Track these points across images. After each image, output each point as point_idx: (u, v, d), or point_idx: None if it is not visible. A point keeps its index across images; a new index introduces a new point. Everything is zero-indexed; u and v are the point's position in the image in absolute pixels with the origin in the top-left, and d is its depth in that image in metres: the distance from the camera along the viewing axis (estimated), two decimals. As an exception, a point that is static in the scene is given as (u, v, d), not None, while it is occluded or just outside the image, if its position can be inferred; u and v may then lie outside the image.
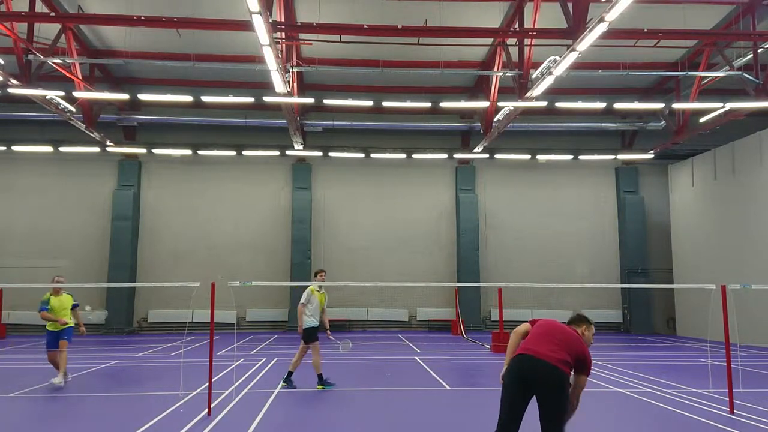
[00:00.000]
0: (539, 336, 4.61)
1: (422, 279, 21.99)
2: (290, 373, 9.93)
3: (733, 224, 19.02)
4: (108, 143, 20.77)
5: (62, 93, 16.92)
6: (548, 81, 14.44)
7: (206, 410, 7.73)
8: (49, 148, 21.42)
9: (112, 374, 11.82)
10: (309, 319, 9.81)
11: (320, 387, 9.81)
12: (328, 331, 10.13)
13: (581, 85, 20.58)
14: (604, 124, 22.49)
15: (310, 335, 9.77)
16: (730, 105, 17.28)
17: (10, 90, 15.63)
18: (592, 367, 4.61)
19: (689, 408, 8.32)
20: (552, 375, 4.36)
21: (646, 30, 14.72)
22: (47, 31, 16.09)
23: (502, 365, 4.76)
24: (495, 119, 18.83)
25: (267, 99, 17.02)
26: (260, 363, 12.89)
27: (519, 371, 4.48)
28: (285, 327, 22.26)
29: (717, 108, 17.83)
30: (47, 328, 10.11)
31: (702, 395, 9.24)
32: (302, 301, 9.85)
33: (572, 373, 4.53)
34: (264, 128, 22.41)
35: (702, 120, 19.00)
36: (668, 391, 9.65)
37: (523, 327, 4.88)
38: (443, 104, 18.83)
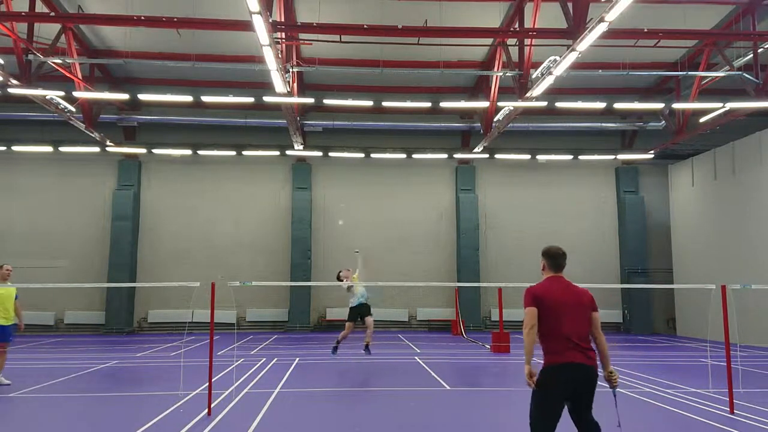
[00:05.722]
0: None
1: (422, 279, 21.97)
2: (338, 346, 12.53)
3: (733, 224, 19.02)
4: (108, 143, 20.77)
5: (62, 93, 16.91)
6: (548, 81, 14.44)
7: (206, 410, 7.72)
8: (49, 148, 21.42)
9: (112, 374, 11.81)
10: (353, 303, 12.25)
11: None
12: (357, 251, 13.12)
13: (581, 85, 20.58)
14: (604, 124, 22.49)
15: (351, 315, 12.30)
16: (730, 105, 17.27)
17: (10, 90, 15.63)
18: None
19: (689, 408, 8.32)
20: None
21: (646, 30, 14.73)
22: (47, 31, 16.09)
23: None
24: (495, 119, 18.83)
25: (267, 99, 17.03)
26: (260, 363, 12.89)
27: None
28: (285, 327, 22.26)
29: (717, 108, 17.83)
30: None
31: (702, 395, 9.23)
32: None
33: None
34: (264, 128, 22.41)
35: (702, 120, 19.00)
36: (668, 391, 9.65)
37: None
38: (443, 104, 18.83)
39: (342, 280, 12.31)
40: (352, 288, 12.14)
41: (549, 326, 4.16)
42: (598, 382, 4.34)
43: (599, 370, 4.29)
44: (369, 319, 12.29)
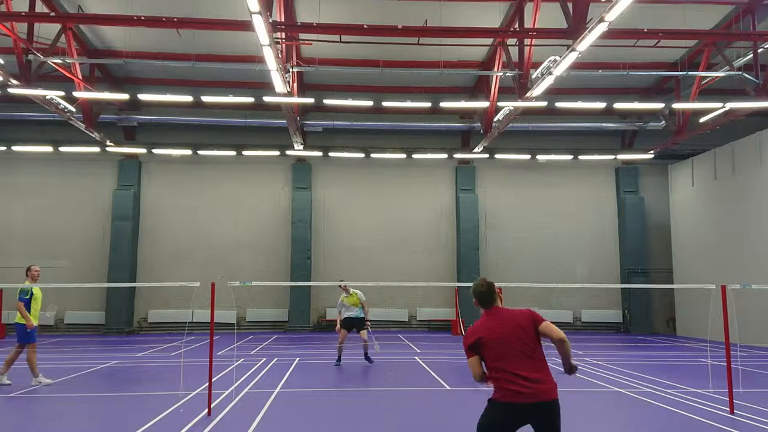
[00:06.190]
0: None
1: (422, 279, 21.98)
2: (340, 357, 12.71)
3: (733, 224, 19.02)
4: (108, 143, 20.76)
5: (62, 93, 16.90)
6: (548, 81, 14.44)
7: (206, 410, 7.73)
8: (49, 148, 21.41)
9: (112, 374, 11.82)
10: (346, 313, 12.80)
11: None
12: (368, 323, 13.01)
13: (581, 85, 20.58)
14: (604, 124, 22.47)
15: (343, 324, 12.76)
16: (730, 105, 17.26)
17: (10, 90, 15.62)
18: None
19: (689, 408, 8.32)
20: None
21: (646, 30, 14.73)
22: (47, 31, 16.07)
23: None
24: (495, 119, 18.83)
25: (267, 99, 17.02)
26: (260, 363, 12.89)
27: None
28: (285, 327, 22.26)
29: (717, 108, 17.82)
30: (20, 320, 9.91)
31: (702, 395, 9.24)
32: (338, 309, 12.94)
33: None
34: (264, 128, 22.41)
35: (702, 120, 19.00)
36: (668, 391, 9.65)
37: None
38: (443, 104, 18.82)
39: (341, 289, 12.94)
40: (344, 302, 12.80)
41: (493, 363, 3.98)
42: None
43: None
44: (363, 333, 12.75)
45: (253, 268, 22.15)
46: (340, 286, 12.82)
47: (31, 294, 9.94)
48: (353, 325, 12.74)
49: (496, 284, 4.24)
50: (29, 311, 9.90)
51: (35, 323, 10.02)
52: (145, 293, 22.29)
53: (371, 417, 8.04)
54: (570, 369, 4.04)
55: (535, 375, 3.86)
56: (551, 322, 4.05)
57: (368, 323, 13.00)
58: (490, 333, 4.00)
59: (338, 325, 12.85)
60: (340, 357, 12.71)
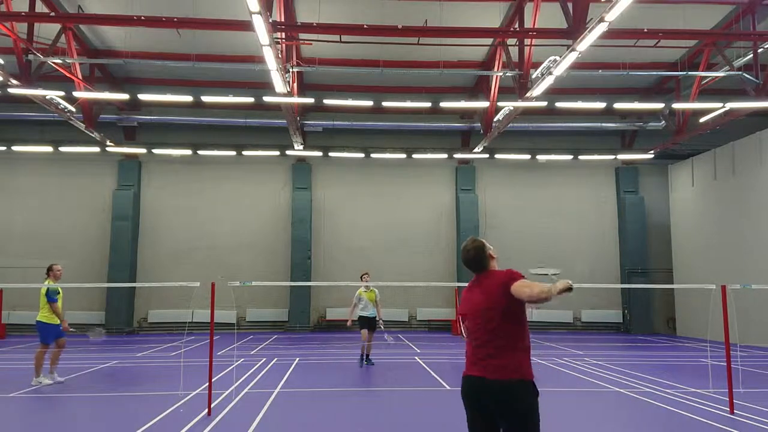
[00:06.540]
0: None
1: (422, 279, 21.98)
2: (364, 356, 12.72)
3: (733, 224, 19.03)
4: (108, 143, 20.76)
5: (62, 93, 16.91)
6: (548, 81, 14.44)
7: (206, 410, 7.73)
8: (49, 148, 21.42)
9: (112, 374, 11.81)
10: (360, 312, 12.63)
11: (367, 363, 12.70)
12: (381, 321, 12.80)
13: (581, 85, 20.58)
14: (604, 124, 22.47)
15: (360, 324, 12.64)
16: (730, 105, 17.27)
17: (10, 90, 15.62)
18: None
19: (689, 408, 8.32)
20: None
21: (646, 30, 14.74)
22: (47, 31, 16.08)
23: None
24: (495, 119, 18.83)
25: (267, 99, 17.03)
26: (260, 363, 12.89)
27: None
28: (285, 327, 22.26)
29: (717, 108, 17.82)
30: (48, 321, 10.03)
31: (702, 395, 9.24)
32: (354, 302, 12.80)
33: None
34: (264, 128, 22.41)
35: (702, 120, 19.00)
36: (668, 391, 9.65)
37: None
38: (443, 104, 18.83)
39: (362, 280, 12.91)
40: (361, 297, 12.67)
41: (466, 334, 3.76)
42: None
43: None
44: (367, 333, 12.63)
45: (253, 268, 22.15)
46: (362, 277, 12.82)
47: (57, 294, 10.04)
48: (368, 323, 12.64)
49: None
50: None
51: (57, 323, 10.10)
52: (145, 293, 22.28)
53: (371, 417, 8.05)
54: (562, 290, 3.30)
55: (491, 350, 3.49)
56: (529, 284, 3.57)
57: (381, 321, 12.84)
58: (467, 303, 3.75)
59: (350, 321, 12.88)
60: (363, 357, 12.71)
